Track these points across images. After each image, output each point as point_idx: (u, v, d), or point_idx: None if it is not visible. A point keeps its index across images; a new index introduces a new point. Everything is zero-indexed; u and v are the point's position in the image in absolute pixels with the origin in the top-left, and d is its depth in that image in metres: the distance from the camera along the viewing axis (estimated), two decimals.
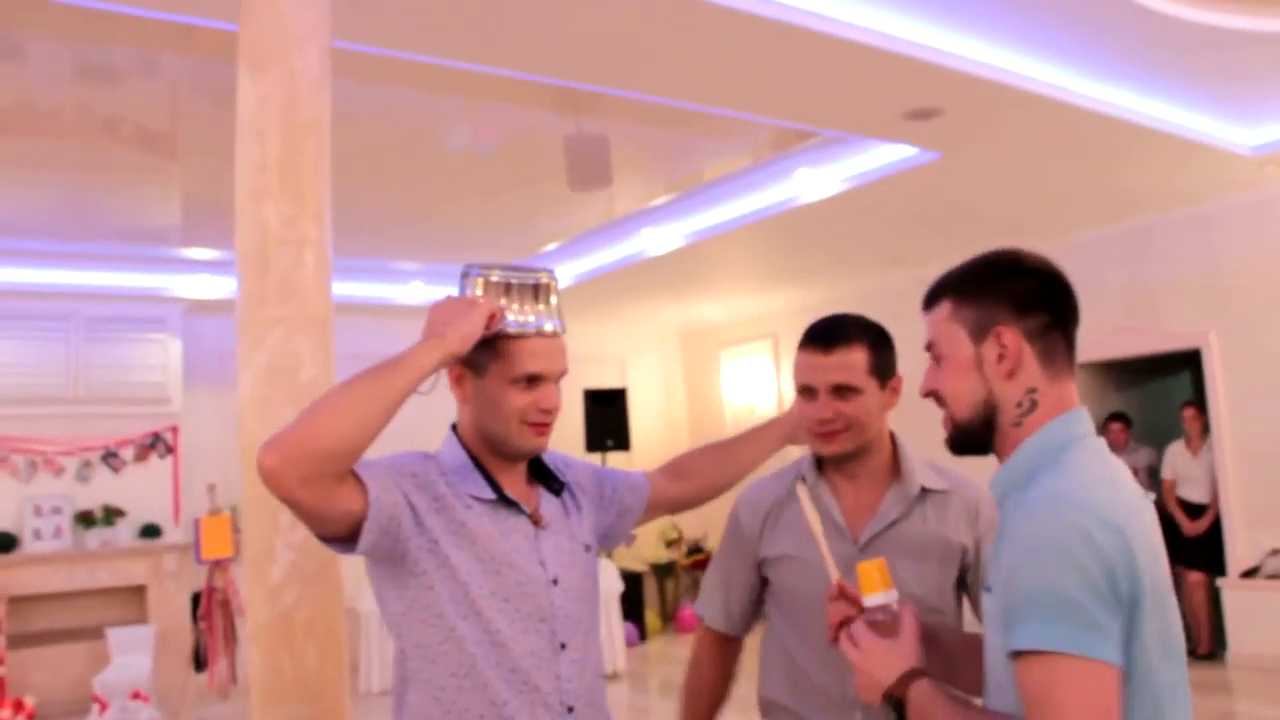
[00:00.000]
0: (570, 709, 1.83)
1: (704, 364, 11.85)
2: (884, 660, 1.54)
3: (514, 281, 1.83)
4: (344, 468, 1.59)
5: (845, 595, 1.68)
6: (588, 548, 1.96)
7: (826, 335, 2.01)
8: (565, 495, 1.98)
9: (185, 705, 7.81)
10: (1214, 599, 7.63)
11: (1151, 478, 8.20)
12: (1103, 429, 8.46)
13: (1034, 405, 1.52)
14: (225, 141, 5.76)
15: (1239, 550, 7.51)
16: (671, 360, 12.16)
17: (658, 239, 8.18)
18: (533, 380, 1.81)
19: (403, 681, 1.83)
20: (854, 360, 1.98)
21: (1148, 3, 4.59)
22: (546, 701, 1.80)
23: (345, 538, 1.69)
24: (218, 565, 7.90)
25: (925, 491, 2.03)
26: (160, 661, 8.30)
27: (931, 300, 1.63)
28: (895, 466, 2.06)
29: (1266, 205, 7.34)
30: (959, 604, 2.08)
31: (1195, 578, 7.68)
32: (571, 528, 1.95)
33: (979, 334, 1.55)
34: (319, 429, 1.54)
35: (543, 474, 1.96)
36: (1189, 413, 7.88)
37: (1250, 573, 7.36)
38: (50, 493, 8.30)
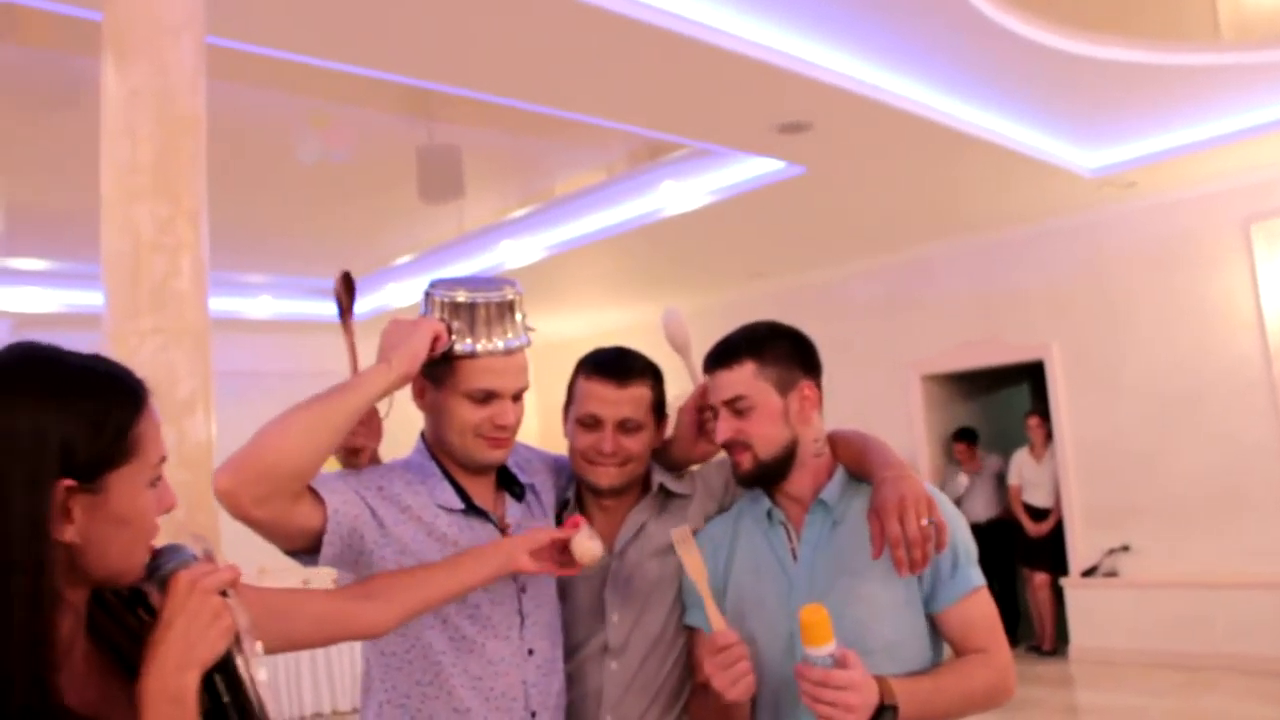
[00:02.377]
0: (534, 714, 1.84)
1: (558, 381, 11.65)
2: (864, 684, 1.61)
3: (475, 301, 1.80)
4: (297, 487, 1.61)
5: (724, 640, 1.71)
6: None
7: (620, 366, 2.02)
8: (529, 498, 1.97)
9: None
10: (1058, 598, 7.95)
11: (999, 484, 8.49)
12: (948, 448, 8.74)
13: (824, 437, 1.92)
14: (50, 147, 5.45)
15: (1079, 550, 7.85)
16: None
17: (516, 252, 8.06)
18: (487, 396, 1.80)
19: (368, 692, 1.85)
20: (645, 394, 2.01)
21: (1009, 27, 4.76)
22: (511, 708, 1.81)
23: (308, 550, 1.69)
24: None
25: (667, 493, 2.05)
26: None
27: (730, 360, 1.86)
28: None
29: (1104, 224, 7.74)
30: None
31: (1040, 578, 8.00)
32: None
33: (785, 388, 1.85)
34: (271, 451, 1.56)
35: (507, 479, 1.95)
36: (1033, 421, 8.21)
37: (1089, 571, 7.71)
38: None
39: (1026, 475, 8.20)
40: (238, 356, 7.79)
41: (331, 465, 1.80)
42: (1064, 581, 7.84)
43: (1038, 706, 6.69)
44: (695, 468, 2.11)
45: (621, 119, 5.41)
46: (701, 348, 1.99)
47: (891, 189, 6.79)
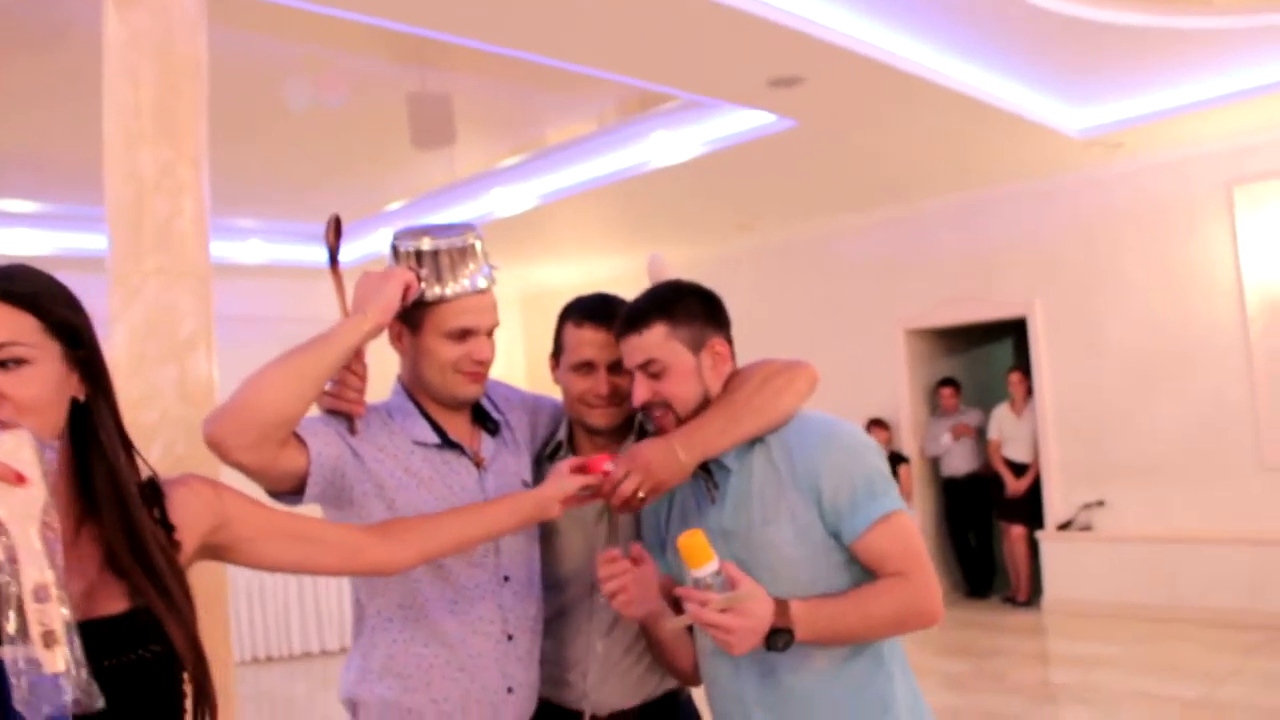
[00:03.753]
0: (510, 636, 1.97)
1: (545, 330, 11.71)
2: (757, 607, 1.66)
3: (439, 248, 1.90)
4: (282, 435, 1.71)
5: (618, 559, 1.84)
6: (526, 484, 2.06)
7: (606, 311, 2.10)
8: (503, 433, 2.08)
9: None
10: (1033, 551, 8.14)
11: (979, 437, 8.65)
12: (934, 393, 8.89)
13: None
14: (41, 87, 5.45)
15: (1055, 505, 8.03)
16: (511, 325, 12.03)
17: (507, 200, 8.11)
18: (464, 334, 1.91)
19: (359, 620, 1.99)
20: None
21: None
22: (488, 630, 1.94)
23: (292, 491, 1.81)
24: None
25: (646, 433, 2.14)
26: None
27: (639, 325, 1.90)
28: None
29: (1091, 184, 7.82)
30: None
31: (1017, 531, 8.19)
32: (511, 466, 2.06)
33: (696, 346, 1.90)
34: (257, 401, 1.66)
35: (481, 416, 2.05)
36: (1015, 377, 8.35)
37: (1065, 525, 7.89)
38: None
39: (1006, 430, 8.35)
40: (229, 301, 7.82)
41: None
42: (1039, 534, 8.02)
43: (1010, 654, 6.90)
44: None
45: (613, 69, 5.45)
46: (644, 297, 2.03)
47: (882, 145, 6.85)
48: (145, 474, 1.43)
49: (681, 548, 1.67)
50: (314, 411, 1.85)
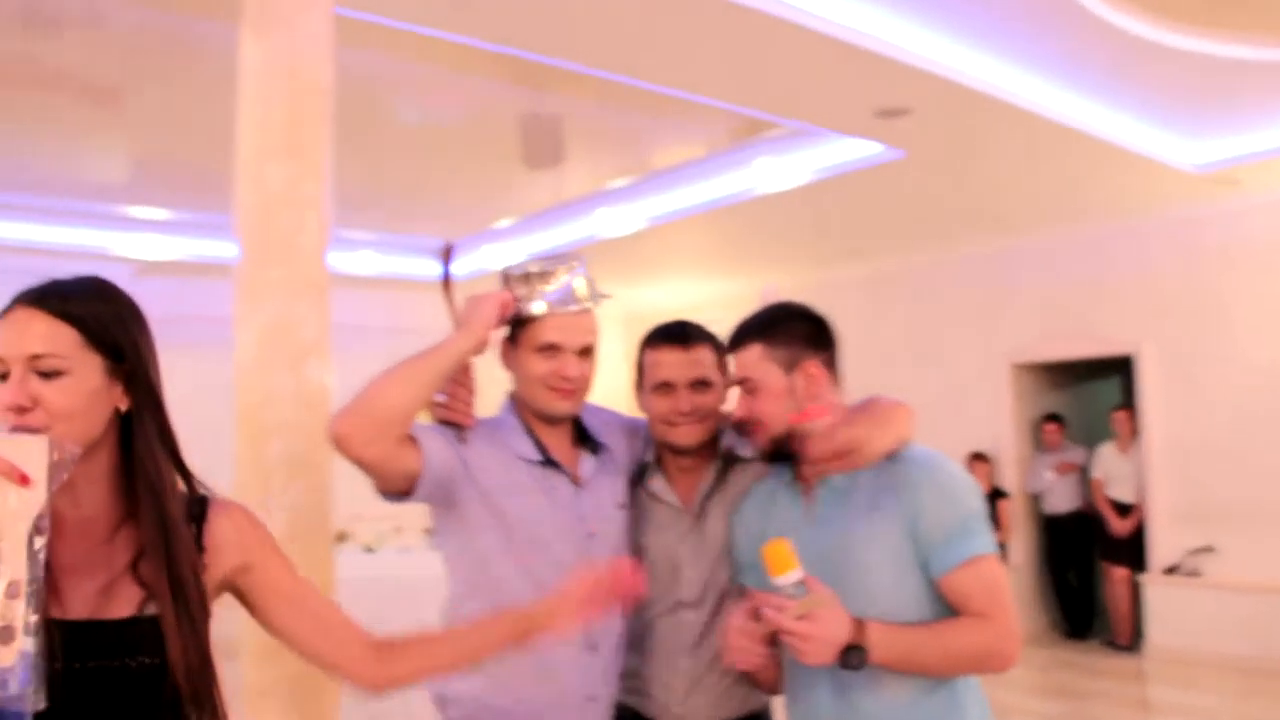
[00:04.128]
0: (594, 647, 2.07)
1: None
2: (829, 618, 1.72)
3: (537, 271, 2.07)
4: (400, 432, 1.90)
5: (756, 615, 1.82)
6: (620, 506, 2.16)
7: (683, 333, 2.23)
8: (603, 456, 2.17)
9: None
10: (1136, 594, 7.95)
11: (1083, 475, 8.49)
12: (1038, 429, 8.75)
13: (841, 412, 1.99)
14: (176, 98, 5.76)
15: (1161, 548, 7.82)
16: (613, 345, 12.16)
17: (613, 221, 8.24)
18: (551, 349, 2.06)
19: (450, 621, 2.11)
20: (709, 355, 2.21)
21: (1113, 20, 4.78)
22: (573, 640, 2.01)
23: (403, 493, 1.98)
24: None
25: (734, 457, 2.23)
26: None
27: (738, 344, 2.01)
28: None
29: (1205, 221, 7.65)
30: None
31: (1120, 573, 8.00)
32: (607, 486, 2.16)
33: (790, 366, 1.96)
34: (378, 400, 1.87)
35: (584, 437, 2.16)
36: (1121, 415, 8.18)
37: (1171, 570, 7.68)
38: None
39: (1111, 469, 8.18)
40: (341, 310, 8.10)
41: (424, 418, 2.07)
42: (1143, 578, 7.82)
43: (1106, 698, 6.75)
44: None
45: (722, 98, 5.54)
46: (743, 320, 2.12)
47: (991, 177, 6.80)
48: (201, 492, 1.50)
49: (766, 555, 1.74)
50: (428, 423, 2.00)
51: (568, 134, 6.18)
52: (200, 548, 1.45)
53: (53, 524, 1.25)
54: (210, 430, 9.18)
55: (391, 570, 8.39)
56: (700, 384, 2.16)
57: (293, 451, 3.09)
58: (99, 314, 1.43)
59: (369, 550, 8.51)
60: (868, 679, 1.81)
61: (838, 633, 1.71)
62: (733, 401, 2.22)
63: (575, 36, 4.61)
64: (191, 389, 9.28)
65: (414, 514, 2.02)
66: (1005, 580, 1.88)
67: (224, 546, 1.47)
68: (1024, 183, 6.99)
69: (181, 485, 1.48)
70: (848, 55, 4.72)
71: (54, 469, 1.26)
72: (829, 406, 1.94)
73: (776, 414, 1.96)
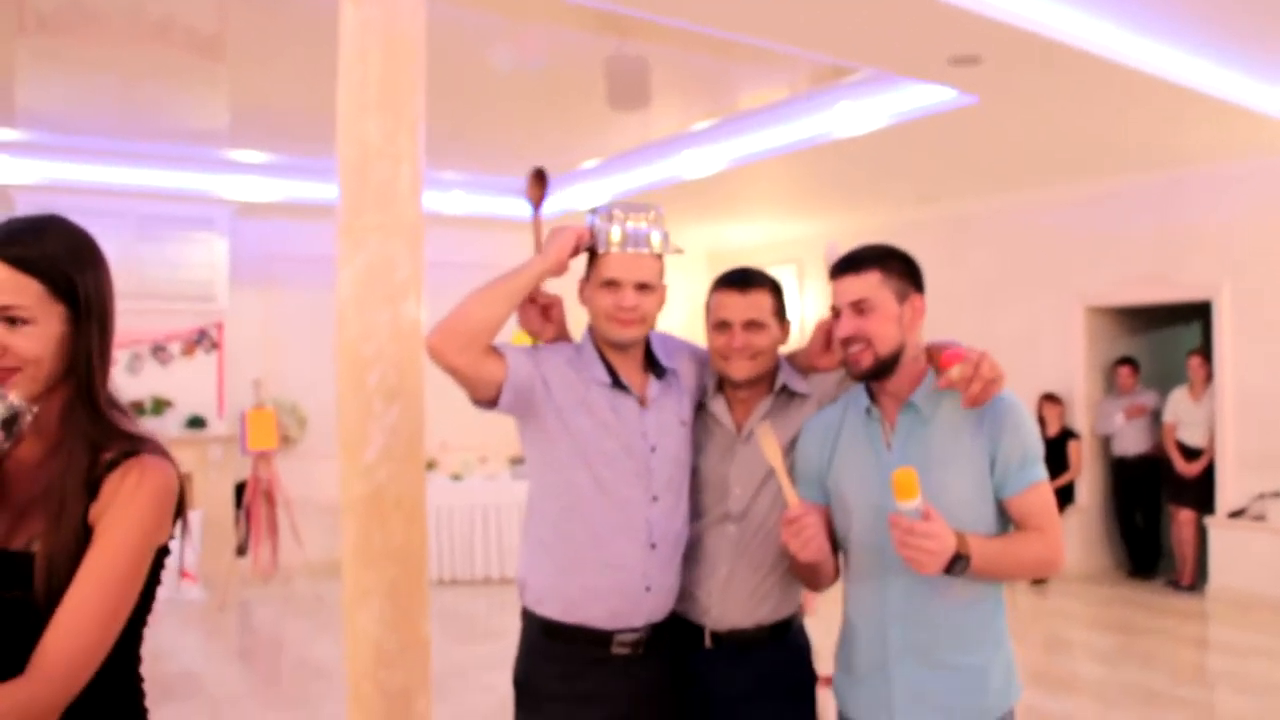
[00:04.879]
0: (654, 545, 2.36)
1: None
2: (944, 534, 1.99)
3: (613, 215, 2.36)
4: (486, 342, 2.24)
5: (795, 513, 2.12)
6: (683, 423, 2.46)
7: (743, 278, 2.46)
8: (669, 378, 2.46)
9: (229, 587, 8.26)
10: (1201, 537, 8.04)
11: (1154, 419, 8.55)
12: (1111, 372, 8.82)
13: (923, 347, 2.27)
14: (274, 47, 6.07)
15: (1229, 492, 7.90)
16: (698, 280, 12.40)
17: (696, 162, 8.43)
18: (612, 284, 2.34)
19: (530, 515, 2.46)
20: (767, 300, 2.45)
21: None
22: (636, 537, 2.35)
23: (490, 401, 2.30)
24: (262, 456, 8.33)
25: (790, 392, 2.48)
26: (206, 546, 8.76)
27: (859, 268, 2.21)
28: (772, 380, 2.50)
29: None
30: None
31: (1185, 515, 8.09)
32: (672, 405, 2.44)
33: (901, 298, 2.20)
34: (467, 314, 2.21)
35: (653, 362, 2.46)
36: (1195, 361, 8.21)
37: (1237, 513, 7.76)
38: None
39: (1182, 414, 8.23)
40: (433, 249, 8.42)
41: (523, 339, 2.39)
42: (1209, 520, 7.91)
43: (1164, 635, 6.90)
44: (814, 375, 2.52)
45: (802, 45, 5.66)
46: (872, 245, 2.33)
47: (1065, 124, 6.84)
48: (132, 445, 1.52)
49: (896, 480, 2.00)
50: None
51: (652, 77, 6.35)
52: (95, 495, 1.47)
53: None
54: (305, 356, 9.65)
55: (478, 497, 8.83)
56: (753, 325, 2.40)
57: (389, 381, 3.41)
58: (60, 262, 1.48)
59: (456, 478, 8.96)
60: (934, 586, 2.13)
61: (948, 546, 1.99)
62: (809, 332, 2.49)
63: None
64: (284, 321, 9.82)
65: (499, 443, 2.29)
66: (1055, 502, 2.21)
67: (103, 499, 1.47)
68: (1098, 130, 7.01)
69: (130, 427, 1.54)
70: (921, 4, 4.84)
71: (9, 426, 1.40)
72: (963, 350, 2.18)
73: (886, 336, 2.18)
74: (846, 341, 2.22)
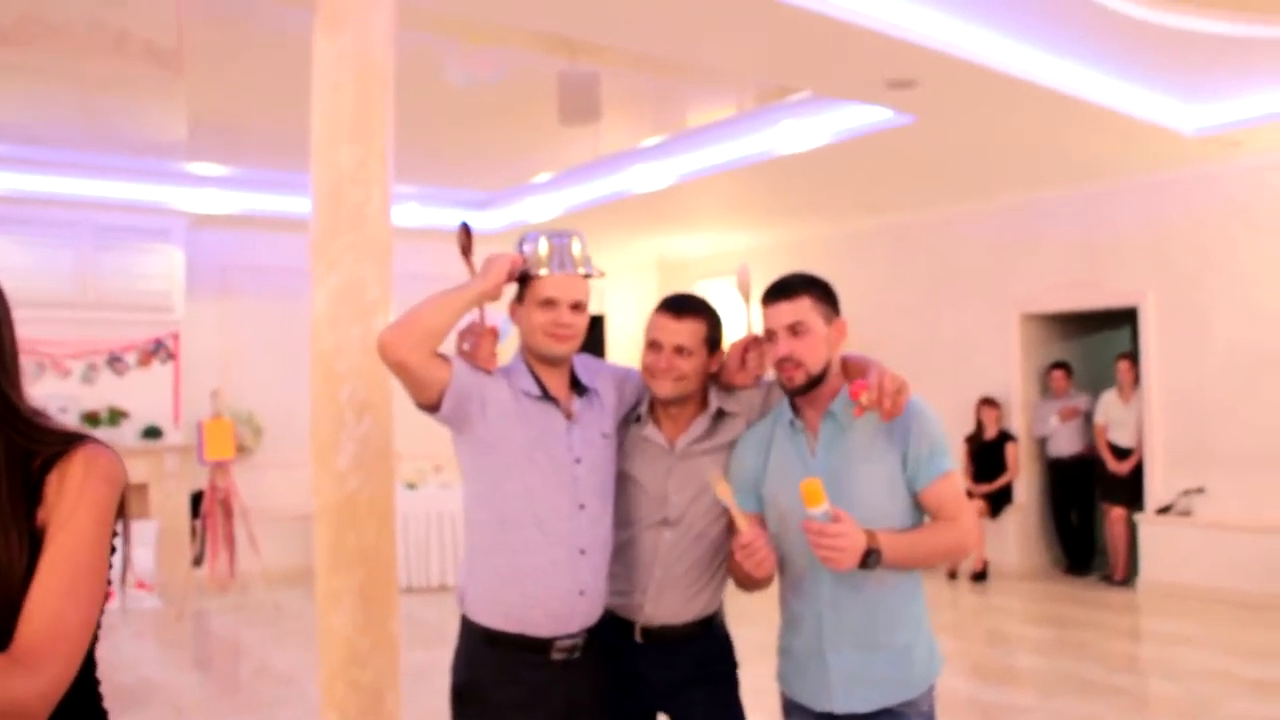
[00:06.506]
0: (583, 551, 2.54)
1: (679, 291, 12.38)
2: (854, 534, 2.23)
3: (541, 241, 2.56)
4: (435, 345, 2.40)
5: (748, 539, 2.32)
6: (604, 436, 2.65)
7: (679, 305, 2.62)
8: (591, 396, 2.66)
9: (187, 597, 8.35)
10: (1132, 533, 8.44)
11: (1086, 420, 8.95)
12: (1045, 376, 9.20)
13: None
14: (232, 61, 6.20)
15: (1157, 489, 8.31)
16: (648, 288, 12.68)
17: (646, 177, 8.68)
18: (549, 303, 2.52)
19: (467, 525, 2.61)
20: (699, 328, 2.60)
21: (1105, 1, 5.16)
22: (564, 542, 2.51)
23: (432, 405, 2.45)
24: (219, 466, 8.44)
25: (721, 411, 2.68)
26: (161, 556, 8.84)
27: (793, 294, 2.42)
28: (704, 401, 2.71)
29: (1205, 180, 8.04)
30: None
31: (1117, 512, 8.49)
32: (594, 420, 2.64)
33: (828, 321, 2.43)
34: (417, 317, 2.38)
35: (577, 382, 2.66)
36: (1123, 364, 8.61)
37: (1165, 509, 8.16)
38: (57, 393, 8.72)
39: (1112, 415, 8.63)
40: (396, 260, 8.60)
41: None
42: (1139, 517, 8.31)
43: (1098, 628, 7.25)
44: (740, 392, 2.71)
45: (746, 70, 5.96)
46: (817, 273, 2.56)
47: (997, 141, 7.20)
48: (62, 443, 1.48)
49: (804, 490, 2.23)
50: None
51: (604, 95, 6.54)
52: (39, 497, 1.44)
53: None
54: (261, 367, 9.76)
55: (433, 505, 9.02)
56: (681, 350, 2.58)
57: (361, 395, 3.62)
58: None
59: (411, 486, 9.13)
60: (857, 577, 2.36)
61: (859, 543, 2.21)
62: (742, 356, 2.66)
63: (606, 20, 5.03)
64: (240, 331, 9.91)
65: (453, 452, 2.50)
66: (963, 489, 2.45)
67: (48, 498, 1.45)
68: (1028, 146, 7.38)
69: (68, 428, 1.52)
70: (858, 33, 5.12)
71: None
72: (865, 380, 2.41)
73: (817, 356, 2.39)
74: (782, 361, 2.44)
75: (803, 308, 2.41)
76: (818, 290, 2.45)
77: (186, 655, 7.36)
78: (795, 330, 2.41)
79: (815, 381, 2.44)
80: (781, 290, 2.46)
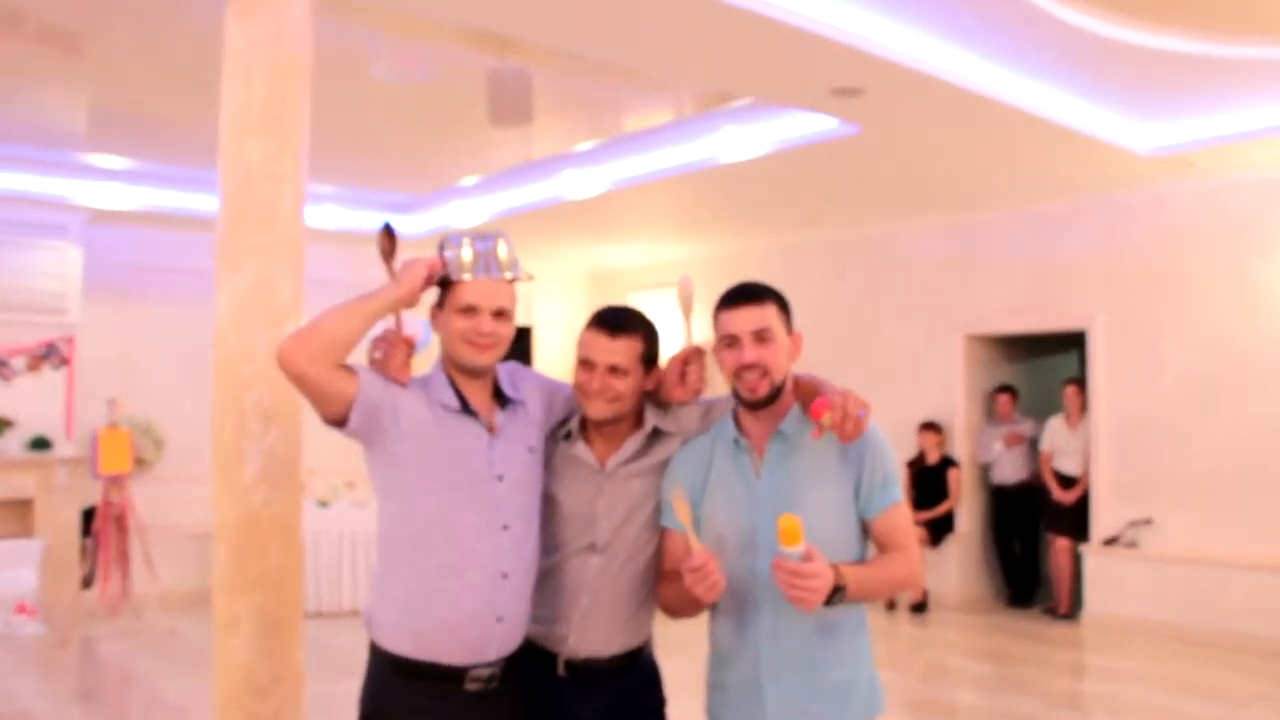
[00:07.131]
0: (505, 575, 2.47)
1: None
2: (825, 573, 2.23)
3: (463, 244, 2.50)
4: (339, 357, 2.33)
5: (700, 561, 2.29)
6: (530, 450, 2.60)
7: (615, 321, 2.57)
8: (515, 408, 2.61)
9: (73, 622, 8.14)
10: (1077, 564, 8.57)
11: (1031, 447, 9.09)
12: (990, 400, 9.34)
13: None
14: (136, 48, 6.07)
15: (1103, 520, 8.45)
16: (579, 299, 12.66)
17: (579, 183, 8.68)
18: (470, 310, 2.46)
19: (379, 545, 2.54)
20: (635, 346, 2.55)
21: (1060, 15, 5.27)
22: (483, 565, 2.44)
23: (339, 420, 2.39)
24: (114, 480, 8.25)
25: (656, 430, 2.64)
26: (46, 577, 8.58)
27: (759, 300, 2.45)
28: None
29: (1160, 201, 8.21)
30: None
31: (1062, 543, 8.62)
32: (519, 434, 2.59)
33: (788, 331, 2.47)
34: (322, 327, 2.32)
35: (500, 393, 2.60)
36: (1070, 390, 8.76)
37: (1111, 541, 8.31)
38: None
39: (1059, 442, 8.77)
40: (308, 265, 8.47)
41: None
42: (1084, 548, 8.44)
43: (1040, 663, 7.35)
44: (677, 410, 2.67)
45: (686, 75, 5.98)
46: (759, 281, 2.53)
47: (945, 155, 7.31)
48: None
49: (782, 527, 2.21)
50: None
51: (536, 95, 6.51)
52: None
53: None
54: (164, 374, 9.58)
55: (346, 524, 8.89)
56: (616, 370, 2.53)
57: (266, 403, 3.56)
58: None
59: (323, 504, 9.00)
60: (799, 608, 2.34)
61: (829, 582, 2.22)
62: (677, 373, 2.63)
63: (539, 17, 5.00)
64: (141, 336, 9.71)
65: (366, 469, 2.46)
66: (912, 520, 2.52)
67: None
68: (978, 162, 7.51)
69: None
70: (803, 38, 5.16)
71: None
72: (828, 397, 2.40)
73: (780, 365, 2.41)
74: (747, 368, 2.41)
75: (769, 314, 2.43)
76: (779, 299, 2.48)
77: (70, 685, 7.16)
78: (761, 337, 2.41)
79: (777, 392, 2.44)
80: (747, 295, 2.46)
